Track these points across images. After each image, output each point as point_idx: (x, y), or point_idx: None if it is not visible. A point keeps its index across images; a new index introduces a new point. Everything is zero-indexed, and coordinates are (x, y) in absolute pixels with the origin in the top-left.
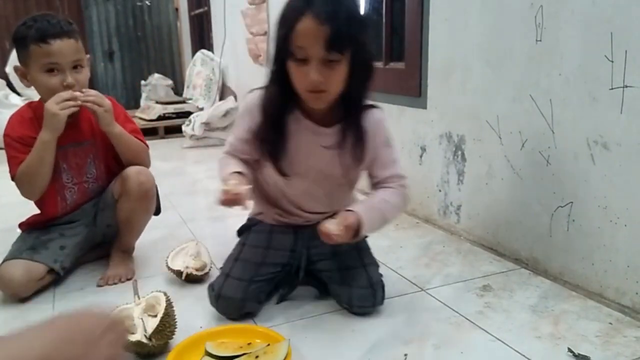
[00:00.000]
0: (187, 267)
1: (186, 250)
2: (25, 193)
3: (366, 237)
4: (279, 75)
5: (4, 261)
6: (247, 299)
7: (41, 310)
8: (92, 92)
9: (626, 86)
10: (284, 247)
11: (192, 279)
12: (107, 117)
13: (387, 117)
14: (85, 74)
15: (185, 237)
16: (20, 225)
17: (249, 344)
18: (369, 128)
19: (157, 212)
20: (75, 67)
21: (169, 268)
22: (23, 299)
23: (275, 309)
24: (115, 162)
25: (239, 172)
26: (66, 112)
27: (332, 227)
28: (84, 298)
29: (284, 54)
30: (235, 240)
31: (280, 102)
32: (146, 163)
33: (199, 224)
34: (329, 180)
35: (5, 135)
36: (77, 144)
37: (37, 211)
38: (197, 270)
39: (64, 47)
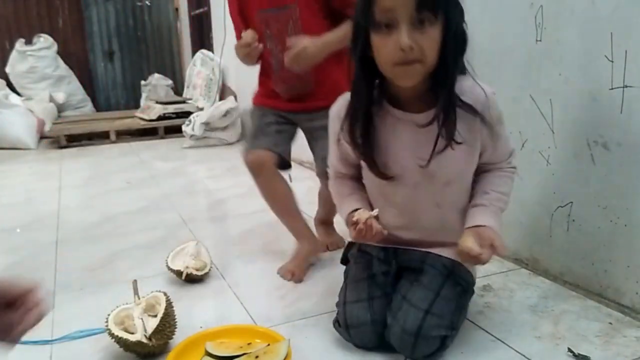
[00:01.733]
0: (187, 267)
1: (186, 250)
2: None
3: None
4: (362, 59)
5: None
6: (375, 320)
7: None
8: None
9: (626, 86)
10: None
11: (192, 279)
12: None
13: None
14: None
15: (185, 237)
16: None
17: (248, 344)
18: (477, 106)
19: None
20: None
21: (168, 268)
22: None
23: (276, 309)
24: (321, 29)
25: (357, 209)
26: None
27: (474, 247)
28: (83, 298)
29: (366, 27)
30: (237, 242)
31: (365, 90)
32: None
33: (199, 224)
34: (434, 181)
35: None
36: (277, 9)
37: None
38: (197, 270)
39: None
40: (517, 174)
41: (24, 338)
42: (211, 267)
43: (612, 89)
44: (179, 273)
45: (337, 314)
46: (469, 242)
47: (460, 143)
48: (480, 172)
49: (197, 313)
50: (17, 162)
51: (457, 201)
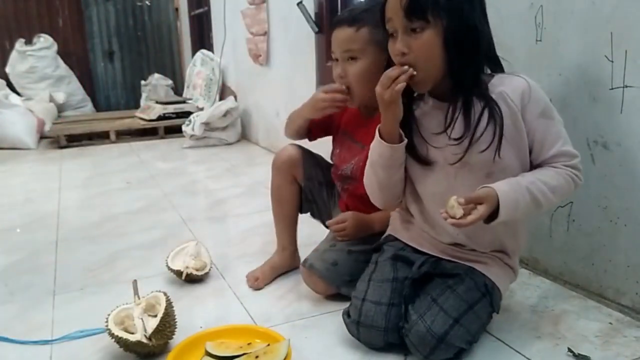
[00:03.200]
0: (187, 267)
1: (186, 250)
2: (285, 130)
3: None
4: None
5: None
6: (389, 328)
7: (41, 311)
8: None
9: (626, 86)
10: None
11: (192, 279)
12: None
13: None
14: (358, 67)
15: (185, 237)
16: None
17: (249, 344)
18: (514, 101)
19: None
20: (350, 57)
21: (169, 268)
22: None
23: (275, 309)
24: None
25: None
26: (326, 104)
27: (451, 202)
28: (83, 298)
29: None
30: (237, 242)
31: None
32: None
33: (199, 224)
34: (474, 172)
35: None
36: (352, 140)
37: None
38: (197, 270)
39: (338, 36)
40: (580, 181)
41: (24, 338)
42: (211, 267)
43: (612, 89)
44: (179, 273)
45: (351, 306)
46: (451, 200)
47: (473, 139)
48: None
49: (197, 313)
50: (17, 162)
51: None
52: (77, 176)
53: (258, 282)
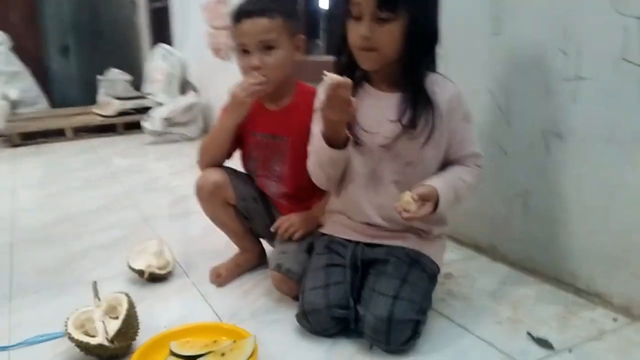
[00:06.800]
0: (149, 266)
1: (148, 249)
2: (198, 162)
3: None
4: (343, 42)
5: None
6: (331, 305)
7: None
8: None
9: (579, 78)
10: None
11: (154, 278)
12: None
13: None
14: (276, 56)
15: (146, 236)
16: None
17: (214, 341)
18: (442, 103)
19: None
20: (265, 47)
21: (130, 268)
22: None
23: (241, 306)
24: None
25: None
26: (249, 98)
27: (406, 198)
28: (41, 301)
29: (344, 14)
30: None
31: (345, 69)
32: None
33: (161, 222)
34: (397, 159)
35: None
36: (270, 136)
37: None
38: (159, 269)
39: (251, 27)
40: (480, 177)
41: None
42: (174, 265)
43: (565, 80)
44: (141, 272)
45: (298, 305)
46: (405, 195)
47: (413, 129)
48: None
49: (161, 313)
50: None
51: (413, 185)
52: (32, 175)
53: (221, 279)
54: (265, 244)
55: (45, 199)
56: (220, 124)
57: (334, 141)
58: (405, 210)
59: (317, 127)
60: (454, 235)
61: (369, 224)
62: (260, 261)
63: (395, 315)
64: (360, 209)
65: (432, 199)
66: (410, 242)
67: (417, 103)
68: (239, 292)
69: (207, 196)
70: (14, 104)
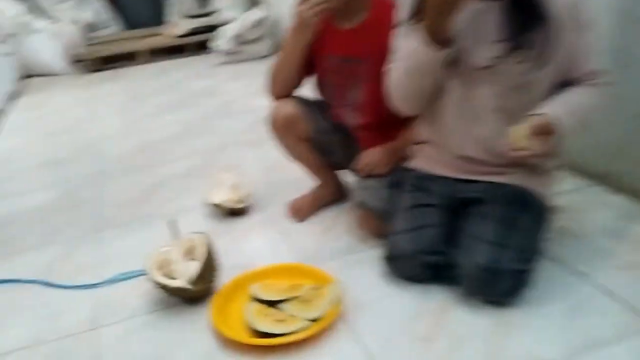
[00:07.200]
0: (226, 200)
1: (225, 181)
2: (269, 90)
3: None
4: None
5: None
6: (420, 250)
7: (83, 252)
8: None
9: None
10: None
11: (232, 212)
12: None
13: None
14: None
15: (224, 164)
16: None
17: (296, 285)
18: (556, 12)
19: None
20: None
21: (208, 202)
22: None
23: (322, 244)
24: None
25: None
26: (315, 17)
27: (520, 133)
28: (124, 235)
29: None
30: (280, 168)
31: None
32: None
33: (238, 149)
34: (501, 83)
35: None
36: (345, 59)
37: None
38: (237, 202)
39: None
40: (604, 96)
41: (68, 281)
42: (252, 198)
43: None
44: (218, 207)
45: (384, 247)
46: (515, 130)
47: (520, 47)
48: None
49: (238, 250)
50: (49, 90)
51: (520, 113)
52: (111, 101)
53: (300, 214)
54: (345, 176)
55: (126, 126)
56: (288, 47)
57: (437, 36)
58: (518, 149)
59: (403, 41)
60: (564, 163)
61: (465, 158)
62: (340, 195)
63: (499, 265)
64: (454, 141)
65: (550, 131)
66: (514, 178)
67: (525, 14)
68: (319, 229)
69: (280, 130)
70: (87, 28)
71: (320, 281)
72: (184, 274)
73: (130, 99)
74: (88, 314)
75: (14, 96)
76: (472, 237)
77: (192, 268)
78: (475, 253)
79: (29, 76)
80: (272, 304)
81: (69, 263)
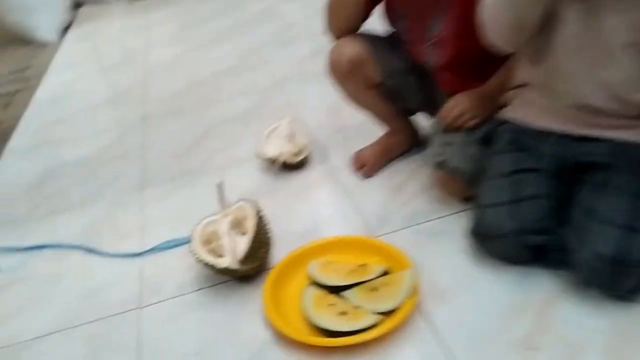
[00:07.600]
0: (281, 153)
1: (280, 130)
2: (327, 27)
3: None
4: None
5: None
6: (521, 229)
7: (130, 213)
8: None
9: None
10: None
11: (287, 166)
12: None
13: None
14: None
15: (279, 105)
16: None
17: (362, 265)
18: None
19: None
20: None
21: (260, 155)
22: None
23: (392, 207)
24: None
25: None
26: None
27: None
28: (170, 195)
29: None
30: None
31: None
32: None
33: (294, 87)
34: (636, 10)
35: None
36: None
37: None
38: (293, 155)
39: None
40: None
41: (113, 248)
42: (309, 149)
43: None
44: (272, 161)
45: (472, 219)
46: None
47: None
48: None
49: (294, 214)
50: (101, 19)
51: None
52: (163, 31)
53: (366, 168)
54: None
55: (176, 59)
56: None
57: None
58: None
59: None
60: None
61: (585, 108)
62: (413, 144)
63: (628, 256)
64: (571, 85)
65: None
66: None
67: None
68: (388, 187)
69: (343, 76)
70: None
71: (392, 262)
72: (232, 251)
73: (182, 28)
74: (131, 290)
75: (65, 27)
76: (592, 216)
77: (241, 245)
78: (598, 238)
79: (79, 5)
80: (334, 289)
81: (111, 225)
